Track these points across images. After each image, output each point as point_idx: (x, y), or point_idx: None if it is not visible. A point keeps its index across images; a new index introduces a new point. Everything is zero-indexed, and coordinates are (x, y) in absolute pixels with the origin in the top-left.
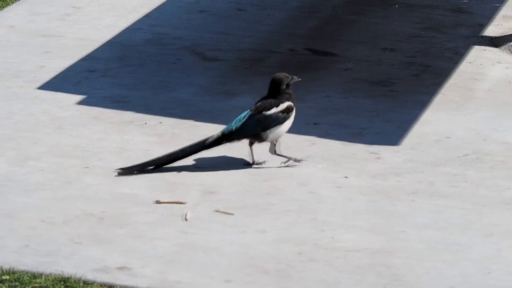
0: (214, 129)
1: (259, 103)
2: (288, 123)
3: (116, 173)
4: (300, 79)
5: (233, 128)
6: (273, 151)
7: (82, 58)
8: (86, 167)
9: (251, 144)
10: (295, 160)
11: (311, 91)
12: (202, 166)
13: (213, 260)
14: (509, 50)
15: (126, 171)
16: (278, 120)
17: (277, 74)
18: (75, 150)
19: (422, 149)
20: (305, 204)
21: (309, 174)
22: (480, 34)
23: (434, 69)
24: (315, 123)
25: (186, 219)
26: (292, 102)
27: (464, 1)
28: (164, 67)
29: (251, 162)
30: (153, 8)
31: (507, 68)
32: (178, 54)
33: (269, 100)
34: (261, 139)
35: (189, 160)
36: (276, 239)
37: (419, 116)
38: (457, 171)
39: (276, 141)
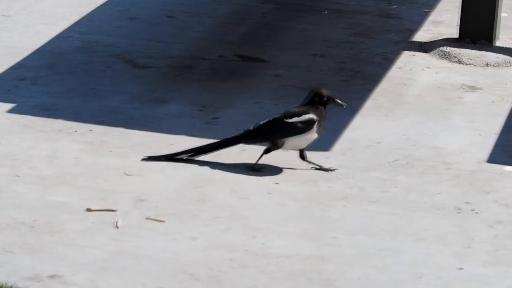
0: (144, 136)
1: (289, 109)
2: (308, 136)
3: (143, 159)
4: (345, 106)
5: (252, 128)
6: (303, 157)
7: (11, 67)
8: (16, 176)
9: (267, 151)
10: (326, 169)
11: (242, 98)
12: (134, 173)
13: (145, 268)
14: (439, 55)
15: (153, 159)
16: (296, 130)
17: (321, 88)
18: (5, 159)
19: (353, 154)
20: (236, 211)
21: (240, 181)
22: (409, 40)
23: (363, 75)
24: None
25: (117, 227)
26: (319, 118)
27: (393, 7)
28: (94, 74)
29: (254, 163)
30: (83, 16)
31: (436, 73)
32: (108, 61)
33: (295, 109)
34: (276, 146)
35: (121, 168)
36: (207, 245)
37: (349, 122)
38: (387, 176)
39: (299, 149)
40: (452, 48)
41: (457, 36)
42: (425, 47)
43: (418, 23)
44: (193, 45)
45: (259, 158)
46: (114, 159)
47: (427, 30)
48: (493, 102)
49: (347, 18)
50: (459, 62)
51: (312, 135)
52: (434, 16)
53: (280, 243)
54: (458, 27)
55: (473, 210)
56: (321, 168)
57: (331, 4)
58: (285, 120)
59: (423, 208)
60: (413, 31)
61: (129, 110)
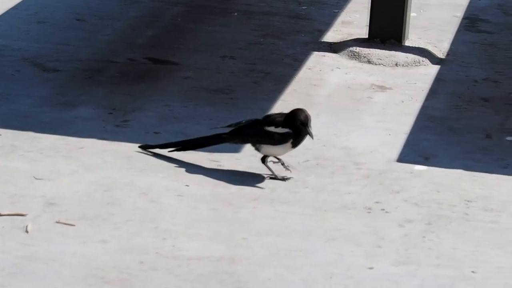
0: (54, 140)
1: (273, 115)
2: (283, 147)
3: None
4: (313, 139)
5: (234, 126)
6: (263, 160)
7: None
8: None
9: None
10: (281, 179)
11: (151, 100)
12: (44, 177)
13: (55, 272)
14: (348, 55)
15: (147, 147)
16: (272, 140)
17: (302, 110)
18: None
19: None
20: (147, 213)
21: (150, 183)
22: (319, 40)
23: (273, 76)
24: (155, 132)
25: (27, 231)
26: (296, 136)
27: (303, 8)
28: (3, 79)
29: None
30: None
31: (346, 73)
32: (17, 65)
33: (278, 119)
34: (256, 148)
35: (31, 172)
36: (118, 249)
37: None
38: (298, 177)
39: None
40: (361, 48)
41: (367, 36)
42: (335, 47)
43: (327, 24)
44: (103, 48)
45: (270, 170)
46: (24, 163)
47: (336, 30)
48: (402, 101)
49: (257, 20)
50: (369, 62)
51: (287, 148)
52: (343, 16)
53: (191, 245)
54: (368, 27)
55: (383, 209)
56: (275, 178)
57: (241, 6)
58: (264, 127)
59: (333, 208)
60: (322, 31)
61: (39, 114)
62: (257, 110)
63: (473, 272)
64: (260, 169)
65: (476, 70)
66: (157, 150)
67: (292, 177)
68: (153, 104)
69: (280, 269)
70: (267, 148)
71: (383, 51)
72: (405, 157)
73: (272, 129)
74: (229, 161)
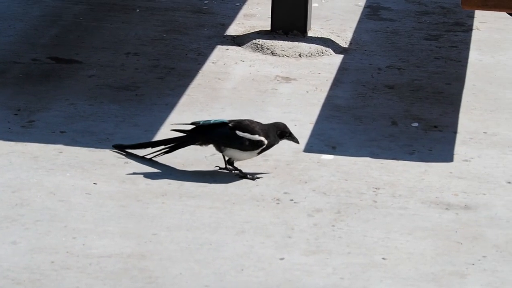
0: None
1: (245, 121)
2: (246, 155)
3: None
4: (298, 143)
5: (201, 123)
6: (231, 163)
7: None
8: None
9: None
10: (251, 178)
11: (56, 100)
12: None
13: None
14: (252, 48)
15: (120, 148)
16: (241, 145)
17: (280, 123)
18: None
19: None
20: (56, 213)
21: (58, 183)
22: (222, 34)
23: (178, 71)
24: (61, 132)
25: None
26: (268, 145)
27: (205, 2)
28: None
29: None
30: None
31: (250, 66)
32: None
33: (252, 126)
34: (219, 149)
35: None
36: (28, 249)
37: (166, 119)
38: (205, 171)
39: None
40: (265, 41)
41: (270, 29)
42: (238, 40)
43: (230, 17)
44: (5, 49)
45: (237, 169)
46: None
47: (239, 23)
48: (307, 92)
49: (160, 16)
50: (273, 54)
51: (253, 154)
52: (246, 9)
53: (101, 243)
54: (270, 19)
55: (292, 200)
56: (244, 176)
57: (143, 2)
58: (236, 131)
59: (242, 201)
60: (226, 25)
61: None
62: (162, 106)
63: (383, 258)
64: (167, 163)
65: (379, 58)
66: (132, 150)
67: (261, 177)
68: (58, 104)
69: (192, 263)
70: (234, 152)
71: (287, 42)
72: (312, 147)
73: (246, 135)
74: (136, 157)
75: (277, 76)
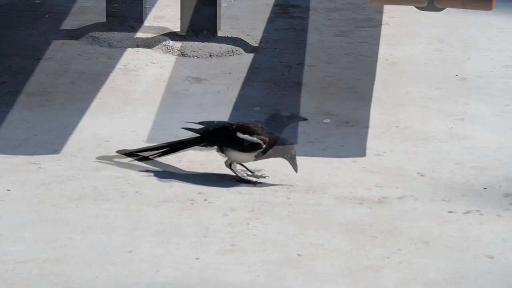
0: None
1: (248, 124)
2: (244, 156)
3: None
4: (296, 172)
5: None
6: (227, 164)
7: None
8: None
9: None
10: (247, 181)
11: None
12: None
13: None
14: (162, 49)
15: (124, 152)
16: (240, 147)
17: (288, 140)
18: None
19: (83, 155)
20: None
21: None
22: (132, 37)
23: (89, 75)
24: None
25: None
26: (267, 147)
27: (115, 5)
28: None
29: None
30: None
31: (161, 67)
32: None
33: (254, 128)
34: (221, 150)
35: None
36: None
37: (78, 123)
38: (119, 174)
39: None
40: (175, 42)
41: (179, 30)
42: (148, 42)
43: (140, 20)
44: None
45: (235, 172)
46: None
47: (149, 26)
48: (219, 92)
49: (70, 20)
50: (183, 55)
51: (251, 157)
52: (155, 11)
53: (16, 249)
54: (180, 21)
55: (206, 200)
56: (241, 180)
57: (52, 8)
58: (237, 134)
59: (157, 202)
60: (135, 28)
61: None
62: (74, 111)
63: (299, 255)
64: (81, 168)
65: (290, 55)
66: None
67: (257, 180)
68: None
69: (108, 266)
70: (233, 153)
71: (197, 43)
72: None
73: (246, 136)
74: (49, 162)
75: (188, 77)
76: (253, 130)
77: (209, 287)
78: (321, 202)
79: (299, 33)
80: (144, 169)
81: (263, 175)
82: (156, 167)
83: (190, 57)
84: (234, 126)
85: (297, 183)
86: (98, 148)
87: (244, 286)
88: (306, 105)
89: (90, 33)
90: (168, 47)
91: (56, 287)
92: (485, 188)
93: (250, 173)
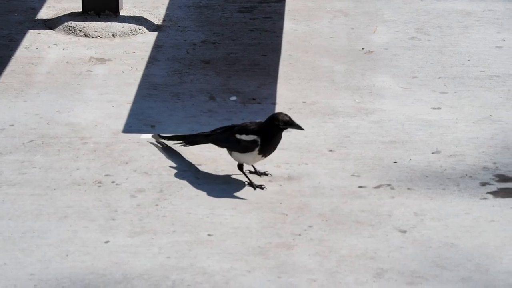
0: None
1: (245, 123)
2: (247, 157)
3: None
4: (303, 129)
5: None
6: (240, 167)
7: None
8: None
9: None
10: (255, 186)
11: None
12: None
13: None
14: (64, 31)
15: (157, 137)
16: (240, 147)
17: (279, 112)
18: None
19: None
20: None
21: None
22: (34, 18)
23: None
24: None
25: None
26: (265, 142)
27: None
28: None
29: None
30: None
31: (63, 49)
32: None
33: (248, 127)
34: (230, 154)
35: None
36: None
37: None
38: (24, 158)
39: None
40: (77, 23)
41: (81, 10)
42: (50, 24)
43: (40, 1)
44: None
45: (246, 177)
46: None
47: (50, 7)
48: (123, 72)
49: None
50: (86, 35)
51: (255, 156)
52: None
53: None
54: (81, 0)
55: (113, 182)
56: (251, 184)
57: None
58: (235, 134)
59: (63, 186)
60: (36, 9)
61: None
62: None
63: (209, 235)
64: None
65: (194, 33)
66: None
67: (265, 187)
68: None
69: (16, 252)
70: (237, 155)
71: (99, 23)
72: (130, 127)
73: (242, 136)
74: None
75: (91, 57)
76: (248, 129)
77: (120, 270)
78: (230, 181)
79: (202, 10)
80: (49, 153)
81: (266, 173)
82: (61, 150)
83: (93, 37)
84: (236, 128)
85: (205, 163)
86: (1, 133)
87: (155, 268)
88: (211, 83)
89: None
90: (70, 28)
91: None
92: (395, 162)
93: (253, 171)
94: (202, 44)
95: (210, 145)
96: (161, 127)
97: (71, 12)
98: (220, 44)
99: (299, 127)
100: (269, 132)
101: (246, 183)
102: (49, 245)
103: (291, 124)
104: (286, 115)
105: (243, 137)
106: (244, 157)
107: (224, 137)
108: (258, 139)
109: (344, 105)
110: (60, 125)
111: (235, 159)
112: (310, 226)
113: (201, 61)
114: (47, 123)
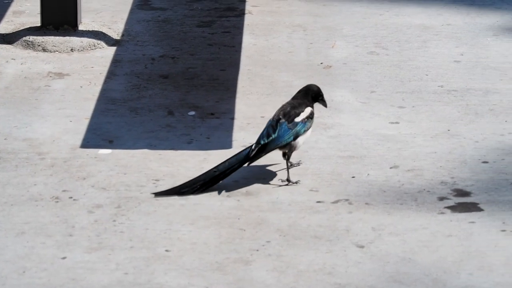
0: None
1: (288, 110)
2: (311, 130)
3: (153, 196)
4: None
5: (270, 138)
6: (288, 156)
7: None
8: None
9: (284, 155)
10: (291, 181)
11: None
12: None
13: None
14: (22, 45)
15: (163, 194)
16: (305, 127)
17: (314, 84)
18: None
19: None
20: None
21: None
22: None
23: None
24: None
25: None
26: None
27: None
28: None
29: (288, 179)
30: None
31: (22, 64)
32: None
33: (293, 108)
34: (293, 148)
35: None
36: None
37: None
38: None
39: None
40: (35, 37)
41: (40, 25)
42: (8, 38)
43: None
44: None
45: (288, 170)
46: None
47: (8, 21)
48: (81, 87)
49: None
50: (44, 50)
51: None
52: (14, 6)
53: None
54: (40, 15)
55: (71, 197)
56: (287, 180)
57: None
58: (295, 120)
59: (21, 201)
60: None
61: None
62: None
63: (167, 250)
64: None
65: (152, 48)
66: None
67: (299, 181)
68: None
69: None
70: (304, 138)
71: (58, 37)
72: (88, 142)
73: (301, 117)
74: None
75: (49, 72)
76: (300, 109)
77: (77, 287)
78: (188, 197)
79: (161, 25)
80: (7, 169)
81: (299, 163)
82: (18, 165)
83: (51, 52)
84: (284, 119)
85: (163, 178)
86: None
87: (112, 284)
88: (170, 97)
89: None
90: (29, 42)
91: None
92: (353, 177)
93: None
94: (160, 58)
95: (168, 159)
96: (119, 142)
97: (30, 27)
98: (179, 59)
99: (325, 104)
100: (312, 103)
101: (280, 180)
102: (6, 261)
103: (322, 100)
104: (319, 89)
105: (302, 116)
106: (308, 134)
107: (288, 131)
108: (311, 108)
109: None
110: (18, 140)
111: (295, 148)
112: (268, 242)
113: (159, 75)
114: (5, 139)
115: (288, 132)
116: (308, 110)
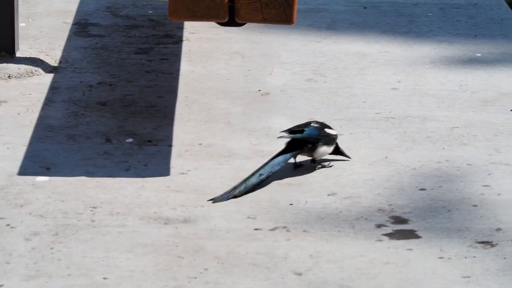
0: None
1: (318, 122)
2: (330, 149)
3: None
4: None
5: (303, 135)
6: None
7: None
8: None
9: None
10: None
11: None
12: None
13: None
14: None
15: (219, 199)
16: (329, 141)
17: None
18: None
19: None
20: None
21: None
22: None
23: None
24: None
25: None
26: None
27: None
28: None
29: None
30: None
31: None
32: None
33: (326, 124)
34: (312, 152)
35: None
36: None
37: None
38: None
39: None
40: None
41: None
42: None
43: None
44: None
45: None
46: None
47: None
48: (18, 113)
49: None
50: None
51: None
52: None
53: None
54: None
55: (8, 225)
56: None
57: None
58: (325, 129)
59: None
60: None
61: None
62: None
63: (104, 278)
64: None
65: (90, 75)
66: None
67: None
68: None
69: None
70: (324, 150)
71: None
72: (26, 169)
73: (331, 131)
74: None
75: None
76: (329, 126)
77: None
78: (126, 224)
79: (99, 52)
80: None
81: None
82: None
83: None
84: (317, 125)
85: (101, 205)
86: None
87: None
88: (108, 125)
89: None
90: None
91: None
92: (291, 204)
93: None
94: (98, 85)
95: (106, 186)
96: (56, 169)
97: None
98: (117, 86)
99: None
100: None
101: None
102: None
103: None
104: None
105: (331, 131)
106: (329, 149)
107: (317, 133)
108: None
109: (240, 147)
110: None
111: (320, 154)
112: (206, 269)
113: (97, 103)
114: None
115: (317, 134)
116: (334, 131)
